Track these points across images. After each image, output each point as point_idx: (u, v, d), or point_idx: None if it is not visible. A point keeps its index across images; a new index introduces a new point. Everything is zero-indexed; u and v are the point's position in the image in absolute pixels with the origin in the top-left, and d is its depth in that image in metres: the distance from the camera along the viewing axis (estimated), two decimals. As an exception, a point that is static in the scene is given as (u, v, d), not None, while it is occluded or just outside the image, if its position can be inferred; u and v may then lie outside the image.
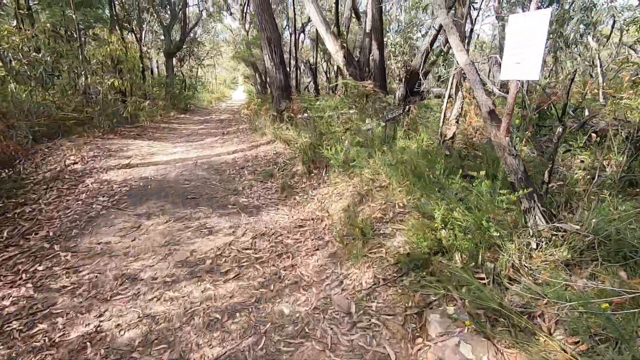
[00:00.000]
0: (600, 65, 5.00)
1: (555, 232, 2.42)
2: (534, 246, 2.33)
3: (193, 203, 4.38)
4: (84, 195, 4.41)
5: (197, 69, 26.50)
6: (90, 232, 3.61)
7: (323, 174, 4.85)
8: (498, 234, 2.34)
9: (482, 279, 2.24)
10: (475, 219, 2.49)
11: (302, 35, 21.27)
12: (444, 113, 4.55)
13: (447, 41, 7.38)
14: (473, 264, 2.37)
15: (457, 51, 3.67)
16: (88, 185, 4.71)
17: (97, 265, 3.07)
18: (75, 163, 5.30)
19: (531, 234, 2.37)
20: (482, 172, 3.15)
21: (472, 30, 6.20)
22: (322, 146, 5.24)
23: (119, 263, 3.11)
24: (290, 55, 17.45)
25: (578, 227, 2.29)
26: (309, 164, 5.11)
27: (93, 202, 4.22)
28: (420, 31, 8.13)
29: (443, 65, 9.26)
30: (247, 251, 3.35)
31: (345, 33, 7.47)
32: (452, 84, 4.41)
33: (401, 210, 3.44)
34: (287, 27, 20.27)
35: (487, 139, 4.38)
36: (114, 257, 3.21)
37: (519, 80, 2.91)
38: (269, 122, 7.53)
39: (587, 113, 4.88)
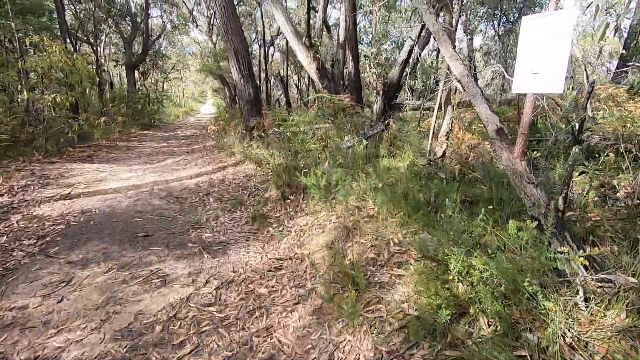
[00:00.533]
0: (587, 77, 4.72)
1: (600, 284, 1.90)
2: (582, 306, 1.79)
3: (145, 242, 3.60)
4: (4, 238, 3.51)
5: (163, 82, 25.31)
6: (1, 292, 2.75)
7: (301, 201, 4.21)
8: (539, 294, 1.78)
9: (523, 357, 1.66)
10: (503, 270, 1.93)
11: (271, 48, 20.81)
12: (433, 129, 4.05)
13: (422, 52, 7.02)
14: (507, 332, 1.79)
15: (451, 61, 3.18)
16: (13, 224, 3.80)
17: (2, 344, 2.25)
18: (1, 195, 4.36)
19: (576, 290, 1.83)
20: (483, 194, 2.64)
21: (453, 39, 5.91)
22: (298, 169, 4.61)
23: (33, 339, 2.30)
24: (260, 68, 16.83)
25: (635, 280, 1.77)
26: (284, 189, 4.45)
27: (14, 248, 3.35)
28: (394, 43, 7.76)
29: (421, 77, 8.96)
30: (210, 309, 2.63)
31: (318, 44, 6.95)
32: (441, 97, 3.93)
33: (398, 249, 2.84)
34: (256, 40, 19.65)
35: (482, 159, 3.91)
36: (29, 329, 2.39)
37: (536, 95, 2.43)
38: (238, 140, 6.82)
39: (577, 126, 4.54)
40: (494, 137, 2.64)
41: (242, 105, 7.14)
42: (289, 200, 4.31)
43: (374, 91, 6.90)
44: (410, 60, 6.78)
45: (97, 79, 12.87)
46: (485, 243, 2.29)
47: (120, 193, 4.79)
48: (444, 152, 4.15)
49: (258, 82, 17.01)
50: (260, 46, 15.78)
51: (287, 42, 14.45)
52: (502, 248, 2.20)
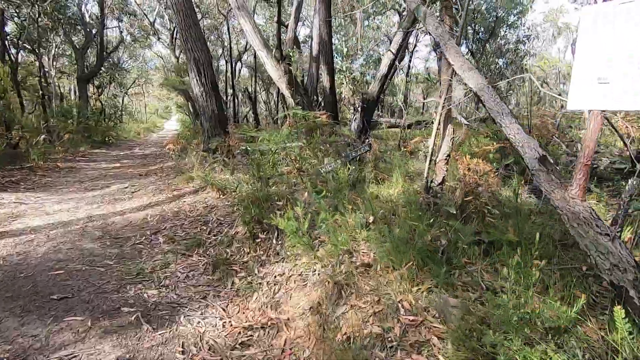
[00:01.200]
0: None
1: None
2: None
3: (60, 309, 2.59)
4: None
5: (123, 97, 23.67)
6: None
7: (274, 241, 3.36)
8: None
9: None
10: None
11: (239, 64, 20.02)
12: (431, 151, 3.38)
13: (394, 66, 6.49)
14: None
15: (464, 71, 2.52)
16: None
17: None
18: None
19: None
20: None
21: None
22: (271, 199, 3.78)
23: None
24: (226, 84, 15.93)
25: None
26: (253, 225, 3.58)
27: None
28: (369, 58, 7.23)
29: (401, 93, 8.48)
30: None
31: (291, 55, 6.23)
32: (441, 113, 3.27)
33: (411, 319, 2.06)
34: (222, 55, 18.69)
35: (490, 189, 3.27)
36: None
37: (604, 111, 1.78)
38: (199, 162, 5.86)
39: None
40: (535, 167, 1.96)
41: (203, 123, 6.22)
42: (259, 240, 3.44)
43: (352, 108, 6.25)
44: (390, 75, 6.22)
45: (41, 91, 11.43)
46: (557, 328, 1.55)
47: (41, 233, 3.69)
48: (444, 179, 3.48)
49: (225, 98, 16.08)
50: (227, 61, 14.94)
51: (255, 56, 13.73)
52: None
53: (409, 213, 3.21)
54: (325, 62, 6.41)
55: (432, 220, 2.82)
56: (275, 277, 2.94)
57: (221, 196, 4.54)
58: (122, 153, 11.53)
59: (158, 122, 35.17)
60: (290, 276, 2.86)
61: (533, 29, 9.95)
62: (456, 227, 2.60)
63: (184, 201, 4.60)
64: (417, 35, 12.89)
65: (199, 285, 2.99)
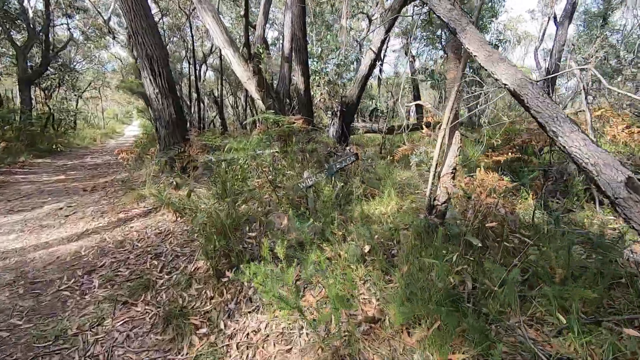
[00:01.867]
0: (586, 96, 3.90)
1: None
2: None
3: None
4: None
5: (77, 101, 21.69)
6: None
7: (245, 283, 2.59)
8: None
9: None
10: None
11: (204, 66, 18.88)
12: (435, 163, 2.77)
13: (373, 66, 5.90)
14: None
15: (494, 62, 1.90)
16: None
17: None
18: None
19: None
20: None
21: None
22: (238, 225, 3.03)
23: None
24: (190, 87, 14.80)
25: None
26: (218, 259, 2.79)
27: None
28: (345, 58, 6.61)
29: (382, 96, 7.93)
30: None
31: (260, 53, 5.49)
32: (449, 117, 2.67)
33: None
34: (186, 57, 17.49)
35: (508, 210, 2.70)
36: None
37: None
38: (152, 176, 4.95)
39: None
40: (622, 195, 1.36)
41: (159, 129, 5.31)
42: (226, 280, 2.66)
43: (329, 112, 5.59)
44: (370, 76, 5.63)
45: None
46: None
47: None
48: (449, 196, 2.89)
49: (189, 102, 14.94)
50: (190, 64, 13.87)
51: (220, 58, 12.79)
52: None
53: (412, 241, 2.57)
54: (299, 61, 5.72)
55: (447, 254, 2.19)
56: (247, 335, 2.18)
57: (179, 219, 3.70)
58: (70, 163, 10.18)
59: (118, 127, 32.80)
60: (267, 335, 2.12)
61: (503, 34, 9.83)
62: (487, 265, 1.98)
63: (132, 226, 3.70)
64: (387, 39, 12.55)
65: (144, 351, 2.17)
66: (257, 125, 5.51)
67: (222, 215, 2.97)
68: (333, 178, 3.69)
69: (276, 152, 5.40)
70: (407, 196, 3.78)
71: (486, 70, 1.95)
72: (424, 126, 4.36)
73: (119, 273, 2.93)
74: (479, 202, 2.56)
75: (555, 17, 12.59)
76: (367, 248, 2.65)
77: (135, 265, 3.02)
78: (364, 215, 3.30)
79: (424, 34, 11.08)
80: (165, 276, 2.86)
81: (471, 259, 2.16)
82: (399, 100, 4.97)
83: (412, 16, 8.96)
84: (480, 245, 2.15)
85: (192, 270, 2.89)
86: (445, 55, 8.85)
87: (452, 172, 2.83)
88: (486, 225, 2.34)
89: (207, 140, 4.84)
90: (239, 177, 4.38)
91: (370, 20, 13.44)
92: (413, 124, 7.23)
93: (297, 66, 5.84)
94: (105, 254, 3.20)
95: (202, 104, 19.31)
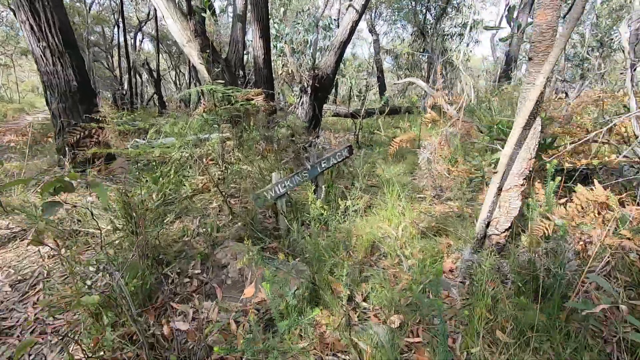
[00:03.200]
0: (632, 79, 2.99)
1: None
2: None
3: None
4: None
5: (-23, 68, 17.59)
6: None
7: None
8: None
9: None
10: None
11: (139, 35, 16.03)
12: (502, 172, 1.62)
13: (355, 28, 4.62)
14: None
15: None
16: None
17: None
18: None
19: None
20: None
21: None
22: (159, 267, 1.64)
23: None
24: (120, 56, 12.24)
25: None
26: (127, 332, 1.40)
27: None
28: (312, 22, 5.21)
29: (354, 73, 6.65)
30: None
31: (208, 10, 3.93)
32: (533, 102, 1.50)
33: None
34: (117, 24, 14.55)
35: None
36: None
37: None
38: (45, 170, 3.25)
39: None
40: None
41: (51, 102, 3.55)
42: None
43: (300, 88, 4.23)
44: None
45: None
46: None
47: None
48: (512, 224, 1.77)
49: (118, 73, 12.40)
50: (117, 24, 11.38)
51: (156, 19, 10.54)
52: None
53: (481, 312, 1.41)
54: (257, 19, 4.24)
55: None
56: None
57: (64, 251, 2.18)
58: (-51, 145, 7.61)
59: (38, 102, 27.89)
60: None
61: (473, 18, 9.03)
62: None
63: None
64: None
65: None
66: (202, 102, 3.98)
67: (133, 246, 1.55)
68: (317, 183, 2.41)
69: (227, 138, 3.95)
70: (416, 204, 2.63)
71: None
72: (427, 109, 3.22)
73: None
74: (583, 240, 1.46)
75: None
76: (396, 322, 1.45)
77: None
78: (366, 242, 2.09)
79: (391, 8, 9.94)
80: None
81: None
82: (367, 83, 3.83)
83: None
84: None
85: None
86: (419, 30, 7.80)
87: (522, 184, 1.70)
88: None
89: (126, 121, 3.28)
90: (172, 176, 2.92)
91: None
92: (392, 107, 6.13)
93: (254, 26, 4.35)
94: None
95: (138, 78, 16.56)
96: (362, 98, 6.27)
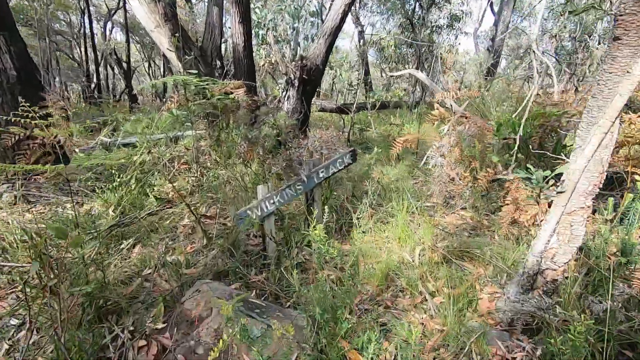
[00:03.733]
0: None
1: None
2: None
3: None
4: None
5: None
6: None
7: None
8: None
9: None
10: None
11: (109, 24, 14.87)
12: (571, 192, 1.18)
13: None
14: None
15: None
16: None
17: None
18: None
19: None
20: None
21: None
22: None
23: None
24: (85, 42, 11.19)
25: None
26: None
27: None
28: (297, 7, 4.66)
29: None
30: None
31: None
32: (621, 103, 1.07)
33: None
34: (84, 13, 13.43)
35: None
36: None
37: None
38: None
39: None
40: None
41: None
42: None
43: (285, 81, 3.70)
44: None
45: None
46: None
47: None
48: (570, 260, 1.34)
49: (85, 64, 11.38)
50: (82, 11, 10.42)
51: (125, 7, 9.65)
52: None
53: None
54: (236, 1, 3.67)
55: None
56: None
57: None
58: None
59: None
60: None
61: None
62: None
63: None
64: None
65: None
66: (176, 97, 3.39)
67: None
68: (313, 197, 1.93)
69: (201, 138, 3.38)
70: (426, 216, 2.20)
71: None
72: (435, 105, 2.78)
73: None
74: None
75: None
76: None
77: None
78: (381, 274, 1.64)
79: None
80: None
81: None
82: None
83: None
84: None
85: None
86: (408, 21, 7.35)
87: (588, 206, 1.28)
88: None
89: (79, 114, 2.72)
90: (133, 187, 2.37)
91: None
92: (382, 102, 5.69)
93: (233, 8, 3.77)
94: None
95: (110, 70, 15.41)
96: (354, 92, 5.79)
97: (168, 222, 2.27)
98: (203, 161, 3.06)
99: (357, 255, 1.76)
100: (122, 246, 1.92)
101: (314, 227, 1.32)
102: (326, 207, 1.69)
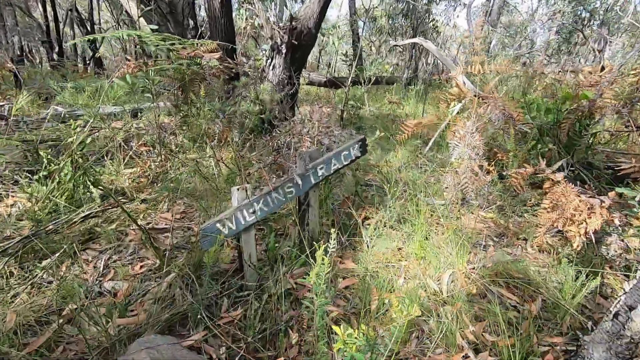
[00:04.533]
0: None
1: None
2: None
3: None
4: None
5: None
6: None
7: None
8: None
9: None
10: None
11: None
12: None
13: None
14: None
15: None
16: None
17: None
18: None
19: None
20: None
21: None
22: None
23: None
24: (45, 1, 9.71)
25: None
26: None
27: None
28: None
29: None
30: None
31: None
32: None
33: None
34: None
35: None
36: None
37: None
38: None
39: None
40: None
41: None
42: None
43: (271, 46, 3.03)
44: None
45: None
46: None
47: None
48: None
49: (45, 21, 9.96)
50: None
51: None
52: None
53: None
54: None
55: None
56: None
57: None
58: None
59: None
60: None
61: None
62: None
63: None
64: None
65: None
66: (126, 61, 2.66)
67: None
68: (308, 202, 1.40)
69: (164, 113, 2.73)
70: (443, 218, 1.73)
71: None
72: (451, 80, 2.25)
73: None
74: None
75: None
76: None
77: None
78: (405, 317, 1.17)
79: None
80: None
81: None
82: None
83: None
84: None
85: None
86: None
87: None
88: None
89: None
90: (67, 175, 1.77)
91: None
92: (377, 77, 5.09)
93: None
94: None
95: (73, 28, 13.78)
96: (349, 63, 5.14)
97: (115, 225, 1.70)
98: (168, 142, 2.44)
99: (368, 286, 1.27)
100: (42, 266, 1.35)
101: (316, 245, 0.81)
102: (317, 207, 1.18)
